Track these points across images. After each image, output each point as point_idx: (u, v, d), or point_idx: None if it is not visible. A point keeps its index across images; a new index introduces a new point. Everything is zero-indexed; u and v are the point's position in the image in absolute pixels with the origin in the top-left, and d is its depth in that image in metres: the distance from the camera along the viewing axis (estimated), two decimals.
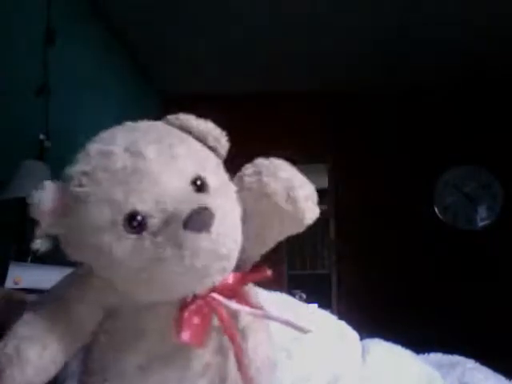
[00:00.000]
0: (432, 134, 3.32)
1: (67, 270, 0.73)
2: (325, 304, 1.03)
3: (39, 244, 0.65)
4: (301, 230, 0.75)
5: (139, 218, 0.60)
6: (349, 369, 0.90)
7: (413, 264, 3.13)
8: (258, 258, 0.76)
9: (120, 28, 2.70)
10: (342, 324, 1.02)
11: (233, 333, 0.66)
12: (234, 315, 0.69)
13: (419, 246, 3.17)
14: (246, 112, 3.35)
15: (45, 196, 0.65)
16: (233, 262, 0.65)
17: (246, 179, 0.72)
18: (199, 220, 0.58)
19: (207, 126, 0.73)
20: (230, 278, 0.69)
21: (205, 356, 0.66)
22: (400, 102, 3.38)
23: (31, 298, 0.68)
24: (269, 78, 3.26)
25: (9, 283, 1.44)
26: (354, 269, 3.18)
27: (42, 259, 1.41)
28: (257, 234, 0.73)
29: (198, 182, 0.65)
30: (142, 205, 0.60)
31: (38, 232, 0.65)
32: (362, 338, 1.03)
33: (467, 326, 2.90)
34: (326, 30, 2.72)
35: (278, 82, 3.29)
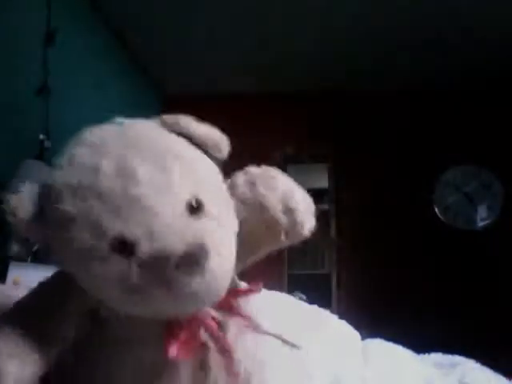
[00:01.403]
0: (432, 133, 3.32)
1: None
2: (325, 304, 1.03)
3: (16, 249, 0.64)
4: (297, 241, 0.72)
5: (127, 243, 0.55)
6: (349, 369, 0.90)
7: (413, 264, 3.13)
8: (248, 266, 0.73)
9: (120, 28, 2.70)
10: (343, 324, 1.02)
11: (223, 344, 0.64)
12: (223, 325, 0.67)
13: (419, 246, 3.17)
14: (246, 112, 3.35)
15: (23, 202, 0.61)
16: (225, 290, 0.61)
17: (240, 190, 0.68)
18: (192, 260, 0.54)
19: (206, 131, 0.68)
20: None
21: (190, 368, 0.64)
22: (400, 102, 3.38)
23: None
24: (269, 78, 3.26)
25: (9, 283, 1.44)
26: (354, 269, 3.18)
27: (42, 259, 1.41)
28: (251, 246, 0.70)
29: (194, 204, 0.60)
30: (131, 232, 0.56)
31: (14, 238, 0.63)
32: (362, 338, 1.03)
33: (467, 326, 2.90)
34: (326, 30, 2.72)
35: (277, 81, 3.29)
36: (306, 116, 3.40)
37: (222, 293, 0.60)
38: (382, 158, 3.32)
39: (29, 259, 1.64)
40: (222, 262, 0.57)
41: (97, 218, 0.56)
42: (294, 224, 0.67)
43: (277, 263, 3.13)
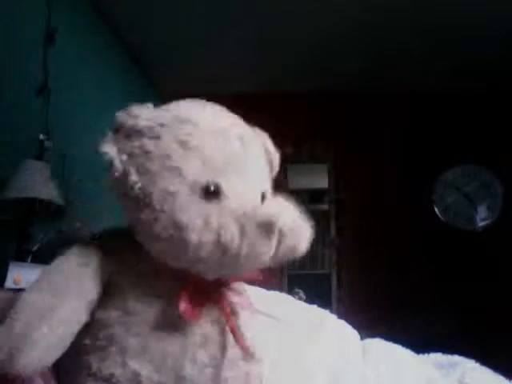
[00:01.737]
0: (432, 133, 3.32)
1: None
2: (325, 304, 1.03)
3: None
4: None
5: (214, 189, 0.66)
6: (349, 368, 0.90)
7: (413, 264, 3.13)
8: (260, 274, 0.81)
9: (120, 28, 2.70)
10: (342, 324, 1.02)
11: (228, 310, 0.72)
12: (234, 308, 0.74)
13: (419, 245, 3.17)
14: (245, 112, 3.33)
15: (146, 112, 0.73)
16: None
17: None
18: (271, 229, 0.64)
19: (275, 151, 0.85)
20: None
21: (203, 328, 0.69)
22: (400, 102, 3.38)
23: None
24: (269, 78, 3.26)
25: (9, 283, 1.44)
26: (354, 268, 3.18)
27: (42, 259, 1.41)
28: None
29: (265, 195, 0.75)
30: (227, 183, 0.67)
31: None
32: (362, 338, 1.03)
33: (467, 326, 2.90)
34: (326, 30, 2.72)
35: (278, 81, 3.29)
36: (306, 116, 3.40)
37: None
38: (381, 158, 3.32)
39: (29, 259, 1.64)
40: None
41: (211, 159, 0.68)
42: (295, 240, 0.73)
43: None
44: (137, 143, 0.69)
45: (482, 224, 3.20)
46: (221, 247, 0.64)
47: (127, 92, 2.91)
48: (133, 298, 0.69)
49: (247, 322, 0.75)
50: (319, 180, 3.41)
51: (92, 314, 0.69)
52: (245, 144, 0.73)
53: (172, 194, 0.66)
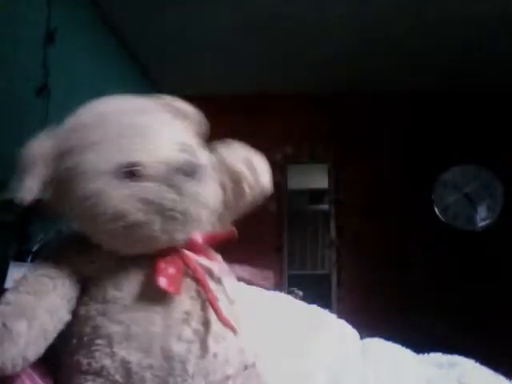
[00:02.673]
0: (432, 133, 3.32)
1: None
2: (325, 304, 1.04)
3: (26, 192, 0.72)
4: (259, 195, 0.86)
5: (138, 167, 0.68)
6: (349, 368, 0.90)
7: (413, 264, 3.13)
8: (233, 230, 0.83)
9: (120, 28, 2.70)
10: (342, 323, 1.03)
11: (205, 281, 0.73)
12: (210, 272, 0.76)
13: (419, 245, 3.17)
14: (246, 112, 3.35)
15: (42, 141, 0.74)
16: (210, 216, 0.74)
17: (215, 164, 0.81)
18: (192, 168, 0.68)
19: (191, 110, 0.88)
20: (200, 238, 0.76)
21: (184, 304, 0.71)
22: (400, 102, 3.38)
23: None
24: (269, 78, 3.26)
25: (9, 283, 1.44)
26: (354, 269, 3.18)
27: None
28: (226, 205, 0.82)
29: (188, 148, 0.74)
30: (140, 156, 0.69)
31: (29, 179, 0.71)
32: (362, 338, 1.03)
33: (467, 326, 2.90)
34: (326, 30, 2.72)
35: (278, 82, 3.29)
36: (306, 116, 3.40)
37: (210, 212, 0.72)
38: (381, 158, 3.32)
39: (29, 259, 1.64)
40: (210, 184, 0.72)
41: (117, 146, 0.70)
42: (254, 176, 0.81)
43: (277, 263, 3.14)
44: (47, 172, 0.75)
45: (482, 224, 3.19)
46: (159, 211, 0.67)
47: (127, 92, 2.90)
48: (109, 286, 0.71)
49: (226, 286, 0.77)
50: (319, 180, 3.41)
51: (75, 313, 0.71)
52: (143, 113, 0.78)
53: (99, 190, 0.69)
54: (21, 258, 1.64)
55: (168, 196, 0.66)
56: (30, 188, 0.73)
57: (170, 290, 0.68)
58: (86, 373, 0.67)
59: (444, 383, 0.92)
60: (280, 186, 3.29)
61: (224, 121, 2.36)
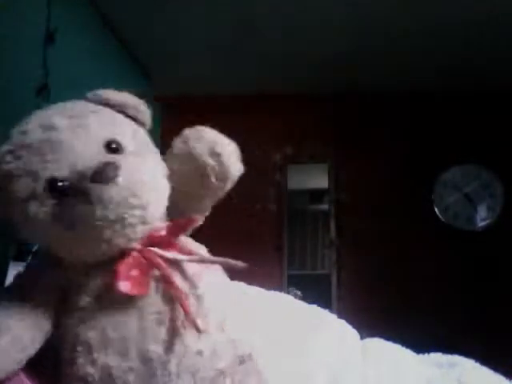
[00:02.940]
0: (432, 133, 3.32)
1: None
2: (325, 304, 1.04)
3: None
4: (228, 186, 0.81)
5: (59, 184, 0.66)
6: (349, 368, 0.90)
7: (412, 264, 3.13)
8: (199, 216, 0.80)
9: (120, 28, 2.70)
10: (342, 323, 1.02)
11: (169, 277, 0.70)
12: (178, 266, 0.73)
13: (419, 245, 3.17)
14: (245, 112, 3.35)
15: None
16: (153, 214, 0.71)
17: (176, 148, 0.79)
18: (104, 173, 0.64)
19: (123, 97, 0.81)
20: (163, 231, 0.74)
21: (156, 304, 0.69)
22: (400, 102, 3.38)
23: None
24: (269, 78, 3.26)
25: (9, 283, 1.44)
26: (354, 269, 3.18)
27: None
28: (187, 192, 0.79)
29: (113, 145, 0.71)
30: (59, 171, 0.67)
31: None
32: (362, 338, 1.03)
33: (467, 326, 2.90)
34: (326, 31, 2.72)
35: (277, 82, 3.29)
36: (305, 116, 3.40)
37: (148, 212, 0.69)
38: (381, 158, 3.32)
39: (29, 259, 1.64)
40: (137, 181, 0.67)
41: (29, 167, 0.68)
42: (220, 165, 0.76)
43: (277, 263, 3.14)
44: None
45: (482, 224, 3.19)
46: (80, 222, 0.66)
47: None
48: (82, 293, 0.71)
49: (240, 305, 0.76)
50: (319, 180, 3.41)
51: (60, 323, 0.71)
52: (54, 129, 0.71)
53: (24, 202, 0.68)
54: (21, 257, 1.64)
55: (81, 207, 0.64)
56: None
57: (134, 292, 0.67)
58: (75, 381, 0.68)
59: (444, 383, 0.92)
60: (280, 185, 3.29)
61: (224, 121, 2.36)
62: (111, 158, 0.69)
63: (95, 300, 0.70)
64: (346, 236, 3.26)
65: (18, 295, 0.71)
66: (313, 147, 3.40)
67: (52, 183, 0.67)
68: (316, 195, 3.44)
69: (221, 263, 0.76)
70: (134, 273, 0.68)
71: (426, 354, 1.05)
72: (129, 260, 0.69)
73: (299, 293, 2.59)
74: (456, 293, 3.05)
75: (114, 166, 0.65)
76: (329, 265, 3.27)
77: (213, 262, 0.76)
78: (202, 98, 3.27)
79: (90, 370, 0.67)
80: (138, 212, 0.68)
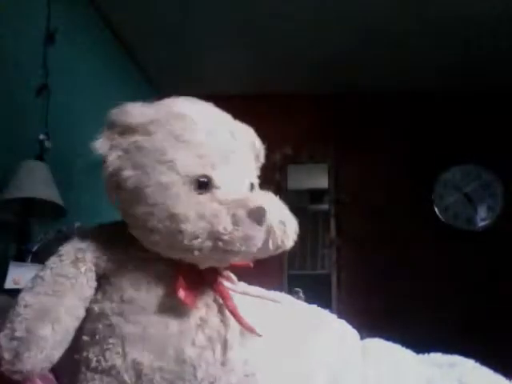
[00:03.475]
0: (432, 133, 3.32)
1: None
2: (325, 304, 1.04)
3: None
4: (273, 254, 0.80)
5: (207, 180, 0.69)
6: (349, 368, 0.90)
7: (412, 264, 3.13)
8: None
9: (120, 28, 2.70)
10: (342, 323, 1.02)
11: (225, 293, 0.74)
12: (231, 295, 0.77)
13: (419, 245, 3.17)
14: (245, 112, 3.33)
15: (138, 109, 0.74)
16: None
17: None
18: (260, 214, 0.66)
19: (261, 145, 0.90)
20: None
21: (199, 311, 0.71)
22: (400, 102, 3.38)
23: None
24: (268, 78, 3.26)
25: (9, 283, 1.44)
26: (354, 269, 3.18)
27: (42, 259, 1.41)
28: None
29: (252, 186, 0.78)
30: (218, 174, 0.70)
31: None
32: (362, 338, 1.03)
33: (467, 326, 2.90)
34: (326, 30, 2.72)
35: (277, 81, 3.29)
36: (305, 116, 3.40)
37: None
38: (381, 158, 3.32)
39: (29, 259, 1.64)
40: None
41: (199, 153, 0.71)
42: (283, 239, 0.75)
43: (277, 263, 3.13)
44: (130, 139, 0.71)
45: (482, 224, 3.20)
46: (213, 236, 0.65)
47: (127, 92, 2.91)
48: (128, 286, 0.70)
49: (241, 306, 0.76)
50: (319, 180, 3.41)
51: (88, 310, 0.70)
52: (234, 137, 0.76)
53: (166, 187, 0.68)
54: (21, 257, 1.64)
55: (227, 230, 0.65)
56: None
57: (187, 302, 0.69)
58: (94, 370, 0.67)
59: (444, 383, 0.92)
60: (280, 186, 3.29)
61: None
62: (256, 198, 0.71)
63: (144, 296, 0.70)
64: (346, 236, 3.26)
65: (62, 281, 0.69)
66: (313, 147, 3.40)
67: (206, 179, 0.70)
68: (316, 195, 3.44)
69: (258, 296, 0.84)
70: (191, 283, 0.70)
71: (426, 354, 1.05)
72: (191, 271, 0.71)
73: (302, 294, 2.59)
74: (456, 293, 3.05)
75: (264, 211, 0.67)
76: (329, 265, 3.27)
77: (252, 295, 0.82)
78: (201, 98, 3.27)
79: (118, 362, 0.66)
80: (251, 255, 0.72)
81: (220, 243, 0.65)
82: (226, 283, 0.77)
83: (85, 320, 0.70)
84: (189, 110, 0.77)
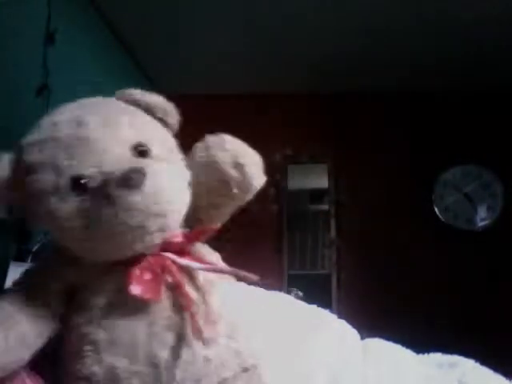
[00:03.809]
0: (432, 134, 3.32)
1: None
2: (325, 304, 1.04)
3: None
4: (249, 196, 0.81)
5: (82, 181, 0.66)
6: (349, 368, 0.90)
7: (412, 264, 3.13)
8: (216, 225, 0.79)
9: (120, 28, 2.70)
10: (342, 323, 1.02)
11: (182, 287, 0.70)
12: (190, 273, 0.74)
13: (419, 245, 3.17)
14: (245, 112, 3.35)
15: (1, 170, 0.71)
16: (172, 222, 0.70)
17: (197, 154, 0.78)
18: (131, 179, 0.63)
19: (154, 100, 0.80)
20: (180, 237, 0.74)
21: (167, 310, 0.70)
22: (400, 102, 3.38)
23: None
24: (269, 78, 3.26)
25: (9, 283, 1.44)
26: (354, 269, 3.18)
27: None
28: (209, 202, 0.79)
29: (140, 149, 0.71)
30: (84, 169, 0.66)
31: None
32: (362, 338, 1.03)
33: (467, 326, 2.90)
34: (326, 30, 2.72)
35: (278, 82, 3.29)
36: (305, 116, 3.40)
37: (168, 220, 0.68)
38: (381, 158, 3.32)
39: (29, 259, 1.64)
40: (161, 189, 0.66)
41: (56, 161, 0.67)
42: (243, 177, 0.75)
43: (277, 263, 3.13)
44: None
45: (481, 224, 3.19)
46: (97, 225, 0.65)
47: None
48: (92, 293, 0.71)
49: (240, 306, 0.76)
50: (319, 180, 3.41)
51: (66, 321, 0.72)
52: (85, 125, 0.70)
53: (46, 194, 0.68)
54: (21, 257, 1.64)
55: (104, 209, 0.64)
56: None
57: (147, 296, 0.67)
58: (78, 379, 0.68)
59: (444, 383, 0.92)
60: (280, 186, 3.29)
61: (224, 121, 2.36)
62: (138, 162, 0.68)
63: (108, 301, 0.70)
64: (346, 236, 3.26)
65: (26, 292, 0.71)
66: (313, 147, 3.40)
67: (76, 181, 0.67)
68: (316, 195, 3.44)
69: (232, 274, 0.76)
70: (147, 277, 0.68)
71: (426, 354, 1.05)
72: (143, 264, 0.69)
73: (300, 293, 2.59)
74: (456, 293, 3.05)
75: (141, 174, 0.64)
76: (329, 265, 3.27)
77: (225, 273, 0.76)
78: (202, 98, 3.27)
79: (96, 369, 0.67)
80: (158, 220, 0.67)
81: (105, 228, 0.65)
82: (187, 262, 0.73)
83: (65, 332, 0.71)
84: (48, 125, 0.75)
